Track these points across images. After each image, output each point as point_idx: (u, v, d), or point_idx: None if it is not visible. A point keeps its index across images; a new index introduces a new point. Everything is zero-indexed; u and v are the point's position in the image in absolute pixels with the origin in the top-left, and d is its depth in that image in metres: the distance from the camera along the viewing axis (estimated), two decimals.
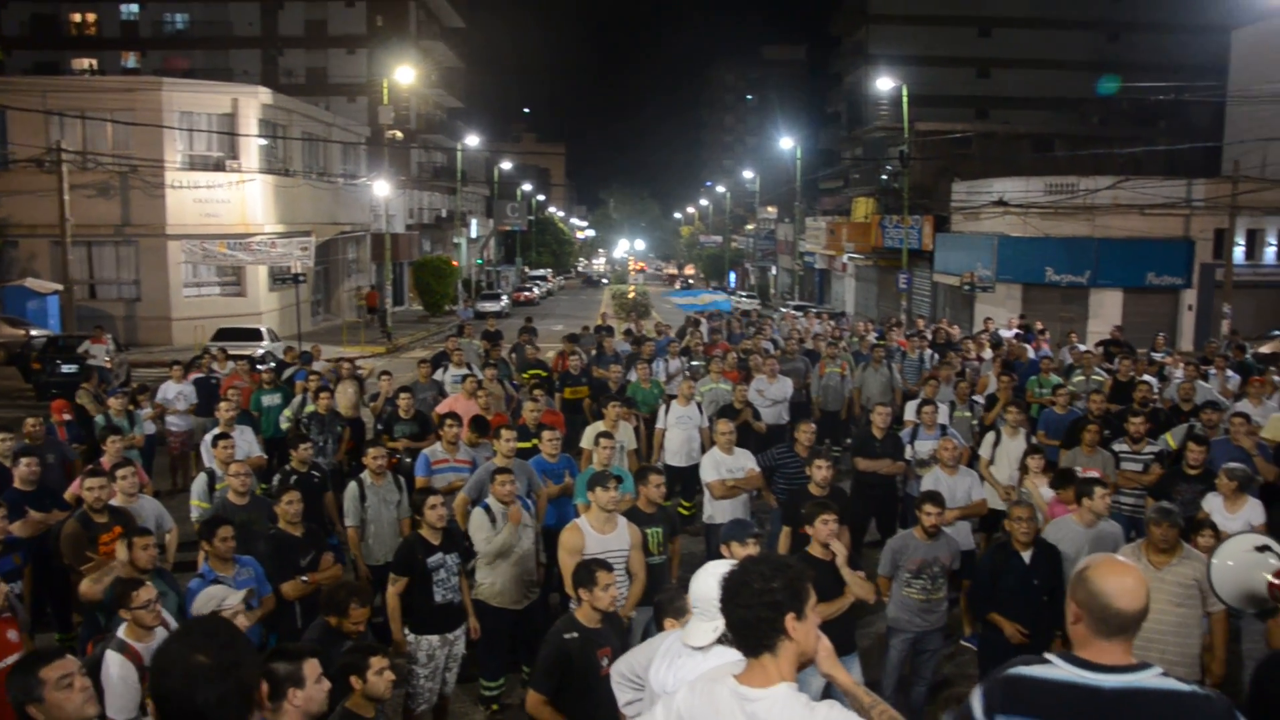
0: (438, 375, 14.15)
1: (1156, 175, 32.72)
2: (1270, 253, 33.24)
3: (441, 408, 11.07)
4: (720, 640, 3.54)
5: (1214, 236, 31.49)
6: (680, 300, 32.48)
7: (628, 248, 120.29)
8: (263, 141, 34.86)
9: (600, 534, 6.76)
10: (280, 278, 31.92)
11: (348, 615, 5.60)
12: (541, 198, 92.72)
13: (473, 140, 56.77)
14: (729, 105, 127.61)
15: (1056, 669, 2.86)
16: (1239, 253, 31.64)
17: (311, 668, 3.83)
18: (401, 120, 48.29)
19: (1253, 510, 7.71)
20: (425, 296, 46.40)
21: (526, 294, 59.02)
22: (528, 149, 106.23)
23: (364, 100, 52.06)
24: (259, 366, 15.75)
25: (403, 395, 11.22)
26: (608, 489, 6.77)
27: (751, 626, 2.84)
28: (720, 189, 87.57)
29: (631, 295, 41.01)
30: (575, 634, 5.32)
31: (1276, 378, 13.01)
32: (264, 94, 35.32)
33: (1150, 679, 2.79)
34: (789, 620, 2.82)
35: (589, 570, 5.45)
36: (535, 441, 9.20)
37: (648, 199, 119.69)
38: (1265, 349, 21.95)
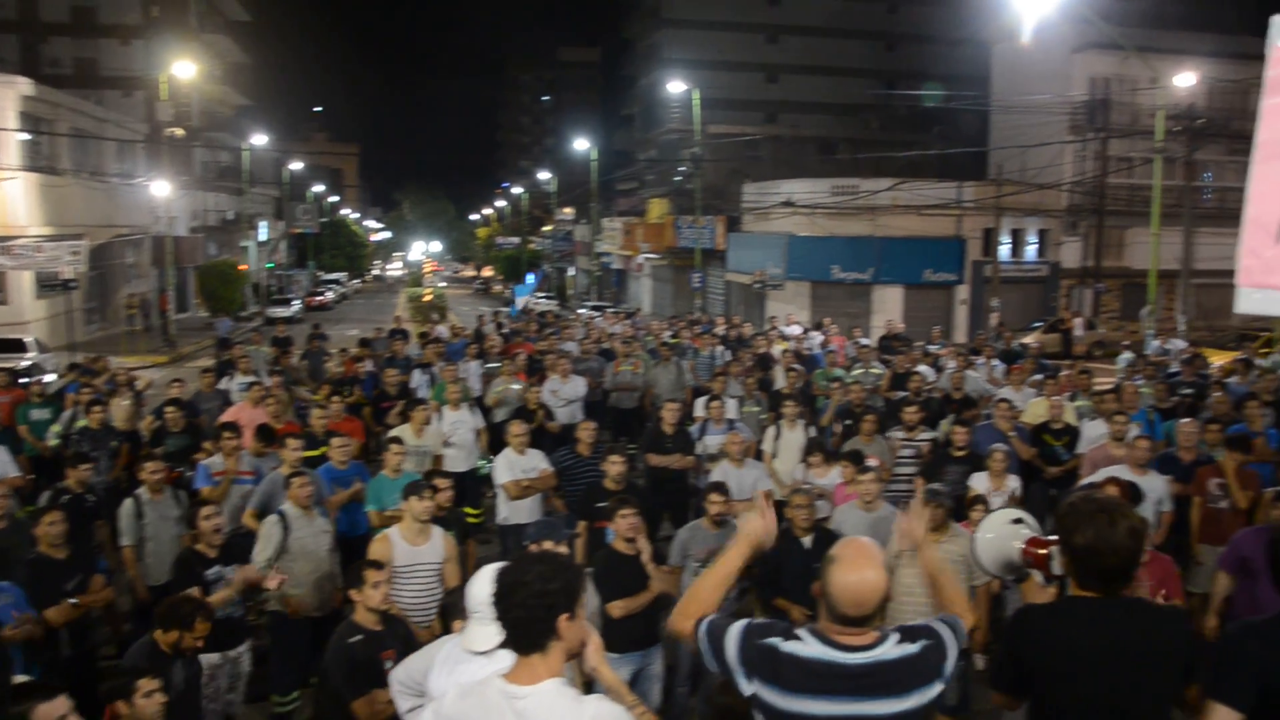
0: (223, 384, 13.49)
1: (931, 178, 34.54)
2: (1031, 250, 35.74)
3: (227, 416, 10.53)
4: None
5: (983, 236, 33.65)
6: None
7: (424, 250, 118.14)
8: (25, 137, 32.30)
9: (412, 545, 6.49)
10: (49, 284, 29.56)
11: (191, 629, 5.25)
12: (334, 199, 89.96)
13: (260, 139, 54.39)
14: (525, 106, 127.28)
15: (806, 645, 3.08)
16: (1004, 251, 33.92)
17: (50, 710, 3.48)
18: (183, 117, 45.63)
19: (1013, 483, 8.58)
20: (212, 302, 44.15)
21: (320, 298, 57.09)
22: (319, 149, 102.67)
23: (141, 95, 49.03)
24: (24, 380, 14.64)
25: (169, 409, 10.61)
26: (422, 498, 6.51)
27: (526, 626, 2.84)
28: (517, 190, 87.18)
29: (428, 298, 40.29)
30: (359, 637, 5.25)
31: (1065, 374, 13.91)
32: (24, 84, 32.62)
33: (889, 650, 3.07)
34: (562, 620, 2.85)
35: (356, 570, 5.38)
36: (324, 449, 8.87)
37: (444, 200, 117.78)
38: (1028, 339, 23.52)
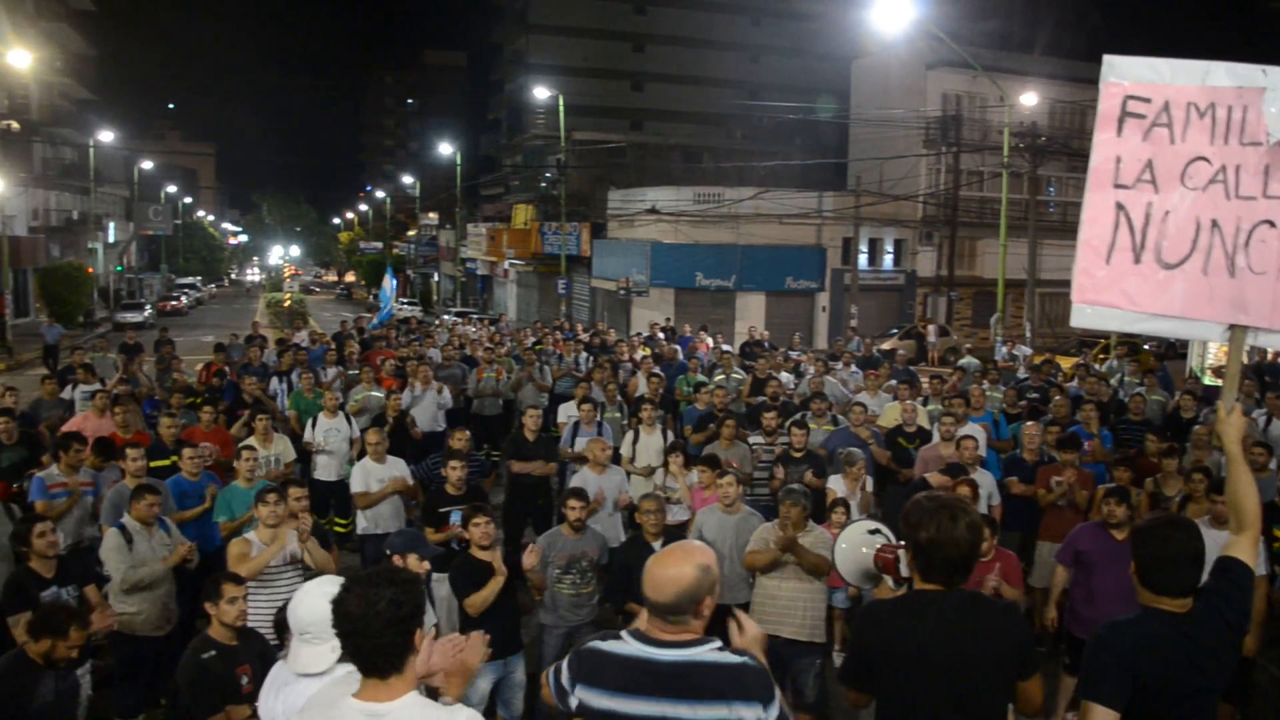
0: (66, 392, 12.72)
1: (792, 188, 35.35)
2: (889, 259, 36.86)
3: (69, 426, 9.90)
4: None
5: (842, 244, 34.54)
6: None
7: (283, 254, 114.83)
8: None
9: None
10: None
11: (66, 637, 4.96)
12: (189, 200, 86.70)
13: (108, 135, 51.99)
14: (389, 109, 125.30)
15: (624, 644, 3.11)
16: (863, 259, 34.89)
17: None
18: (19, 109, 43.31)
19: (867, 483, 8.80)
20: (54, 306, 41.86)
21: (174, 303, 54.89)
22: (173, 148, 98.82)
23: None
24: None
25: (1, 419, 9.95)
26: (268, 503, 6.42)
27: (386, 653, 2.74)
28: (381, 194, 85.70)
29: (288, 303, 39.16)
30: (212, 652, 5.09)
31: (930, 384, 14.26)
32: None
33: (704, 653, 3.05)
34: (416, 635, 2.80)
35: (215, 584, 5.23)
36: (174, 459, 8.49)
37: (304, 203, 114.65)
38: (885, 345, 24.20)
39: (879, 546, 3.99)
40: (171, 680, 5.42)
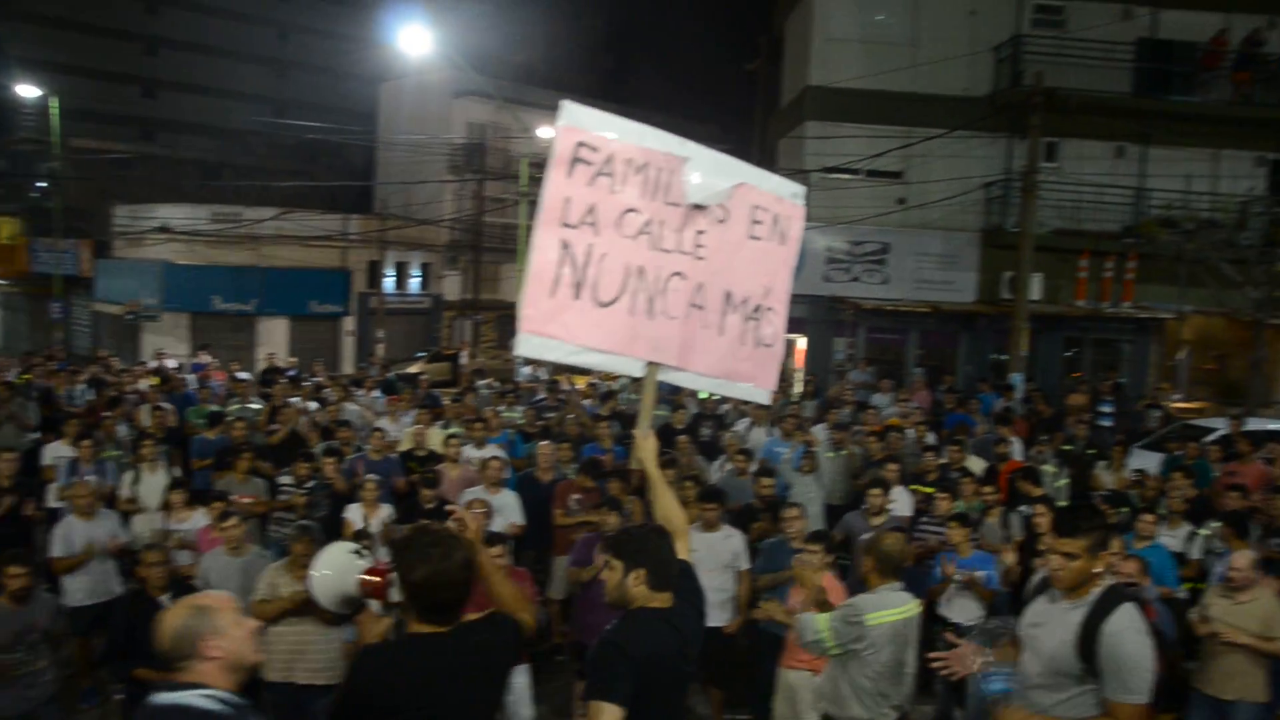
0: None
1: (318, 209, 34.43)
2: (415, 283, 37.18)
3: None
4: None
5: (368, 268, 34.31)
6: None
7: None
8: None
9: None
10: None
11: None
12: None
13: None
14: None
15: (163, 693, 3.04)
16: (390, 283, 34.92)
17: None
18: None
19: (385, 512, 8.75)
20: None
21: None
22: None
23: None
24: None
25: None
26: None
27: None
28: None
29: None
30: None
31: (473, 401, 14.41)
32: None
33: (190, 696, 2.99)
34: None
35: None
36: None
37: None
38: (412, 369, 24.36)
39: (365, 570, 3.85)
40: None
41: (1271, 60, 22.50)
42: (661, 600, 3.72)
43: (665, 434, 12.50)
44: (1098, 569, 3.96)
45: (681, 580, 3.87)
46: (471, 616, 3.57)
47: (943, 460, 10.81)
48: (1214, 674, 6.65)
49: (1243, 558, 6.68)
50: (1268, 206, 21.13)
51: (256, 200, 34.60)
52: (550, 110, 4.68)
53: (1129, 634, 3.80)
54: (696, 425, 13.29)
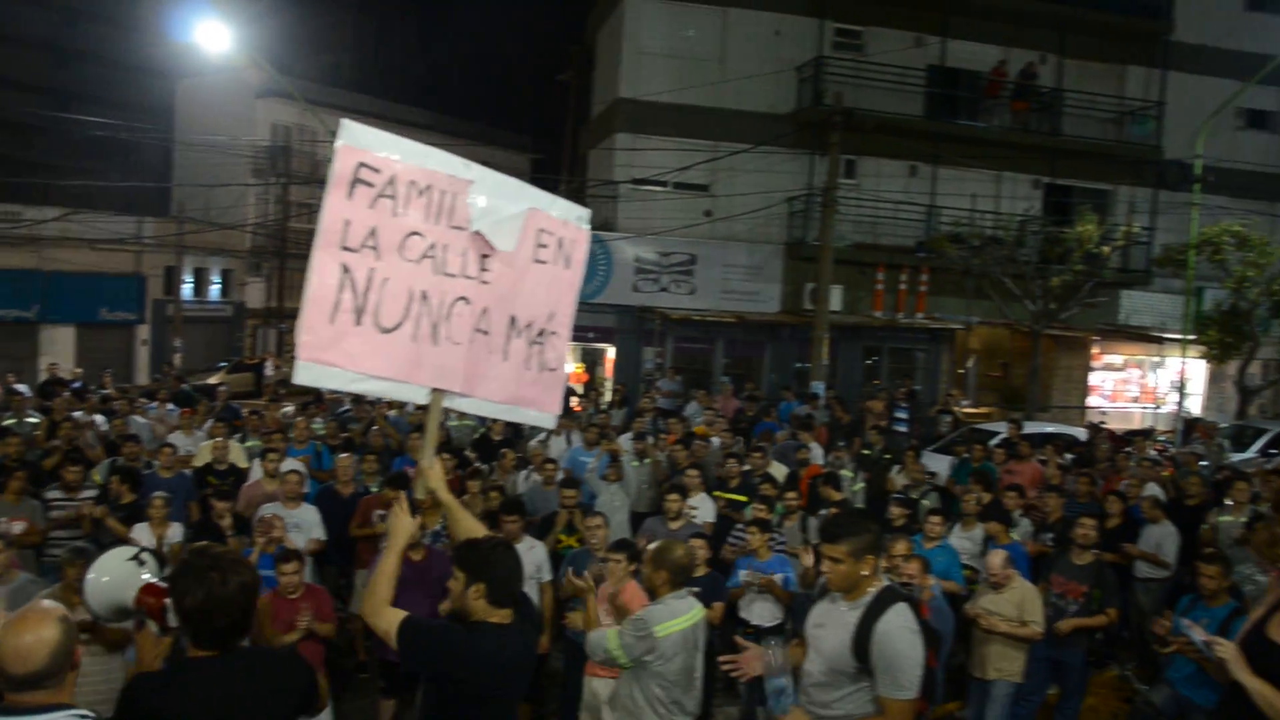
0: None
1: (109, 210, 32.60)
2: (215, 290, 35.65)
3: None
4: None
5: (165, 273, 32.67)
6: None
7: None
8: None
9: None
10: None
11: None
12: None
13: None
14: None
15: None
16: (188, 289, 33.33)
17: None
18: None
19: (175, 532, 8.40)
20: None
21: None
22: None
23: None
24: None
25: None
26: None
27: None
28: None
29: None
30: None
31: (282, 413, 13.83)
32: None
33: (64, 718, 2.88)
34: None
35: None
36: None
37: None
38: (213, 380, 23.37)
39: (143, 586, 3.65)
40: None
41: (1043, 91, 24.30)
42: (501, 616, 3.76)
43: (484, 446, 12.45)
44: (865, 571, 4.15)
45: (522, 602, 3.99)
46: (276, 645, 3.48)
47: (746, 467, 11.11)
48: (978, 658, 7.42)
49: (996, 557, 7.46)
50: (1043, 226, 22.72)
51: (39, 199, 32.44)
52: (360, 114, 4.56)
53: (899, 632, 4.01)
54: (516, 438, 13.26)
